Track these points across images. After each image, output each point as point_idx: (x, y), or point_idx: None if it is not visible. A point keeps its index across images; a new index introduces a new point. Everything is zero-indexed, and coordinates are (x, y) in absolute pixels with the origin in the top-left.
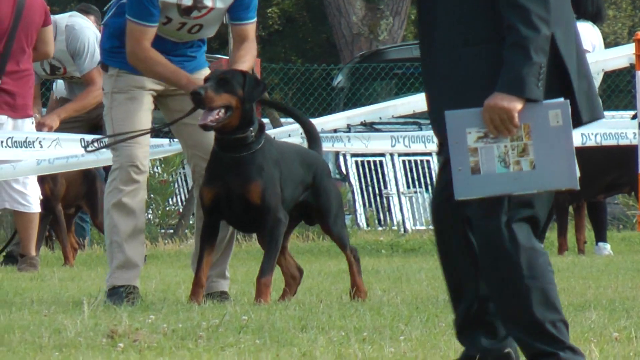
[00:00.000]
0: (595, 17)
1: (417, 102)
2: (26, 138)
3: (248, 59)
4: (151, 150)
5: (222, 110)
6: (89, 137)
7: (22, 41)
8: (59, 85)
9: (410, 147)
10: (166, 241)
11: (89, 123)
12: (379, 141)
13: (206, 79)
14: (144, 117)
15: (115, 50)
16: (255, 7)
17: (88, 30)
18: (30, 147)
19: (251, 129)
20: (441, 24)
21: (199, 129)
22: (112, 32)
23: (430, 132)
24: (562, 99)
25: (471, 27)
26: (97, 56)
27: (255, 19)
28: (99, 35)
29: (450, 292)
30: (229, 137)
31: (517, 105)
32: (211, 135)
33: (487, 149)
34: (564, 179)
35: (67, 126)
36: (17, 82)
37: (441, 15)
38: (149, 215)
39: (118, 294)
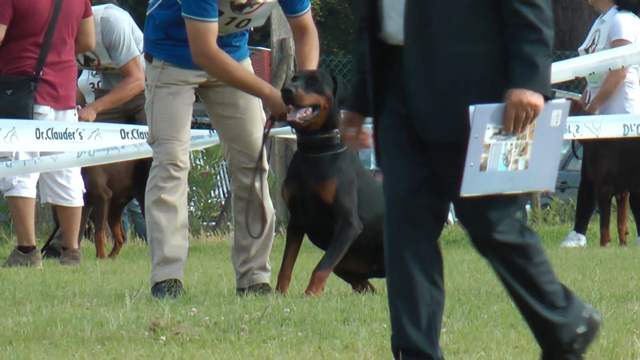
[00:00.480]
0: (638, 7)
1: None
2: (66, 129)
3: (314, 55)
4: (192, 141)
5: (310, 109)
6: (128, 128)
7: (63, 32)
8: (81, 82)
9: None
10: (208, 234)
11: (126, 114)
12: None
13: (296, 77)
14: (185, 112)
15: (160, 42)
16: None
17: (123, 22)
18: (70, 139)
19: (336, 130)
20: (437, 21)
21: (238, 122)
22: (158, 24)
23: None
24: (564, 100)
25: (471, 24)
26: (134, 48)
27: (309, 7)
28: (134, 26)
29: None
30: (313, 137)
31: (543, 103)
32: (250, 128)
33: (498, 146)
34: (546, 180)
35: (104, 117)
36: (59, 73)
37: (436, 12)
38: (191, 208)
39: (160, 290)
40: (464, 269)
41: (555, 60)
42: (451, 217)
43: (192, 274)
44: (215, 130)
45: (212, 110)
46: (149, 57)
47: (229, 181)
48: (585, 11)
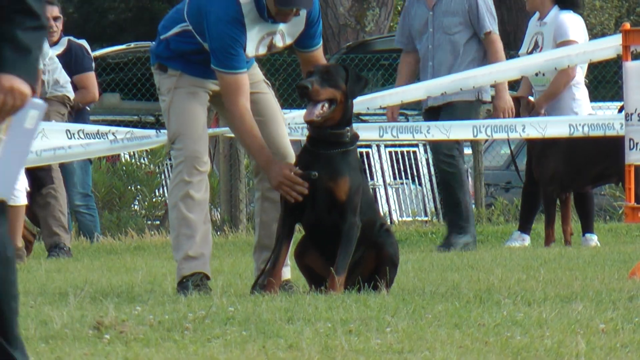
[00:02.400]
0: (577, 5)
1: (405, 92)
2: None
3: None
4: (138, 141)
5: (326, 104)
6: (74, 128)
7: None
8: None
9: (398, 137)
10: (152, 232)
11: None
12: (366, 132)
13: (310, 73)
14: (202, 111)
15: (172, 57)
16: (321, 33)
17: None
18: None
19: (348, 127)
20: None
21: (259, 125)
22: (173, 48)
23: (418, 123)
24: (42, 101)
25: None
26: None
27: (321, 44)
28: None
29: None
30: (326, 132)
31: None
32: (273, 128)
33: None
34: (4, 187)
35: None
36: None
37: None
38: (135, 207)
39: (186, 286)
40: (408, 268)
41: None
42: (395, 216)
43: (137, 272)
44: (162, 131)
45: (225, 116)
46: (163, 68)
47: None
48: (530, 12)
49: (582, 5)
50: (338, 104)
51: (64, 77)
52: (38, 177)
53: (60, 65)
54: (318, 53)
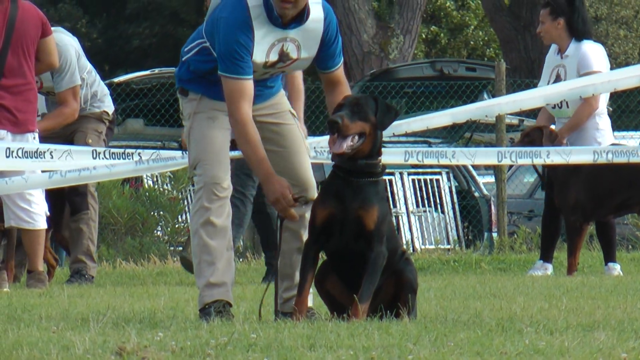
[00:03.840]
0: (589, 33)
1: (431, 119)
2: (37, 149)
3: None
4: (164, 163)
5: (356, 137)
6: (101, 149)
7: (19, 55)
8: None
9: (423, 161)
10: (175, 258)
11: (64, 138)
12: (391, 156)
13: (340, 106)
14: (222, 136)
15: (193, 80)
16: (341, 52)
17: (71, 47)
18: (41, 158)
19: (380, 158)
20: None
21: (282, 155)
22: (193, 70)
23: (443, 148)
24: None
25: None
26: (76, 76)
27: (342, 61)
28: (81, 53)
29: None
30: (360, 163)
31: None
32: (296, 159)
33: None
34: None
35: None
36: (16, 96)
37: None
38: (159, 232)
39: (208, 313)
40: (431, 296)
41: (524, 89)
42: (418, 244)
43: (159, 298)
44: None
45: None
46: (184, 92)
47: None
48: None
49: (592, 34)
50: (367, 136)
51: (102, 90)
52: (74, 201)
53: (98, 77)
54: (339, 73)
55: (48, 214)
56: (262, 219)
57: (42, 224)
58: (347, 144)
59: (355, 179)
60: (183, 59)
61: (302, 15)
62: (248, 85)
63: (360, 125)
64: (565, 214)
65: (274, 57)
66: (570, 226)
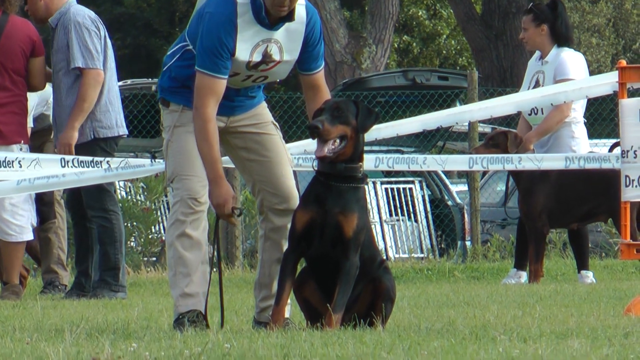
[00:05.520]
0: (571, 40)
1: (401, 125)
2: (5, 158)
3: None
4: (132, 170)
5: (337, 140)
6: (69, 157)
7: (0, 69)
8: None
9: (393, 167)
10: (148, 269)
11: (34, 149)
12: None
13: (321, 110)
14: None
15: (176, 89)
16: (323, 54)
17: None
18: (9, 167)
19: (361, 163)
20: None
21: (265, 165)
22: (175, 76)
23: (415, 155)
24: None
25: None
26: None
27: (323, 65)
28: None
29: None
30: (340, 167)
31: None
32: (278, 169)
33: None
34: None
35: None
36: None
37: None
38: (132, 243)
39: (182, 323)
40: (404, 304)
41: (496, 97)
42: (391, 252)
43: (133, 309)
44: (157, 160)
45: (235, 154)
46: (166, 103)
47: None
48: (529, 52)
49: (573, 40)
50: (349, 139)
51: None
52: (41, 211)
53: None
54: (320, 76)
55: (35, 224)
56: (81, 232)
57: (24, 237)
58: (328, 148)
59: (336, 183)
60: (165, 67)
61: (289, 15)
62: (220, 84)
63: (341, 128)
64: (530, 220)
65: (257, 58)
66: (537, 232)
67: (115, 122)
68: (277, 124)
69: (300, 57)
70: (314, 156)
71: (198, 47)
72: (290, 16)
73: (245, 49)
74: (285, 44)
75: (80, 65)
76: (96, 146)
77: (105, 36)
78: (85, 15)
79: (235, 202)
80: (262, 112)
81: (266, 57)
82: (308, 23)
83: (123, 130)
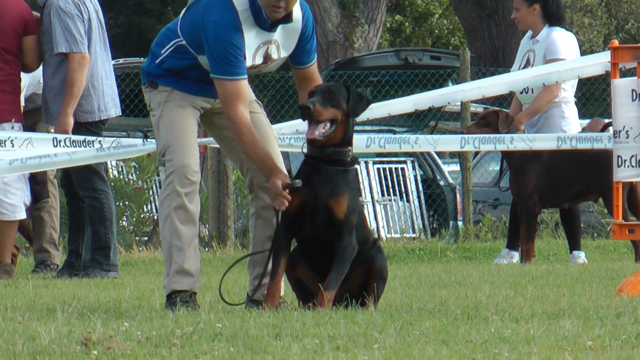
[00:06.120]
0: (563, 19)
1: (394, 105)
2: None
3: None
4: (125, 149)
5: (328, 124)
6: (61, 136)
7: None
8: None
9: (385, 147)
10: (140, 248)
11: (26, 128)
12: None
13: (312, 93)
14: (193, 124)
15: (166, 76)
16: (315, 49)
17: None
18: (2, 147)
19: (350, 147)
20: None
21: None
22: (169, 67)
23: (406, 135)
24: None
25: None
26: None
27: (316, 58)
28: None
29: None
30: (329, 151)
31: None
32: (267, 147)
33: None
34: None
35: None
36: None
37: None
38: (124, 222)
39: (174, 302)
40: (396, 284)
41: (488, 76)
42: (383, 232)
43: (124, 288)
44: (149, 140)
45: (220, 134)
46: (154, 85)
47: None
48: (521, 31)
49: (565, 19)
50: (339, 123)
51: None
52: (34, 190)
53: None
54: (313, 69)
55: (28, 203)
56: (73, 210)
57: (16, 215)
58: (319, 131)
59: (325, 166)
60: (156, 57)
61: (287, 17)
62: (243, 85)
63: (332, 111)
64: (523, 199)
65: (259, 60)
66: (528, 212)
67: (98, 106)
68: (260, 102)
69: (294, 52)
70: (304, 137)
71: (211, 56)
72: (288, 17)
73: (249, 54)
74: (282, 42)
75: (64, 50)
76: (82, 128)
77: (89, 19)
78: None
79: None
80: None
81: (267, 59)
82: (303, 19)
83: (106, 115)
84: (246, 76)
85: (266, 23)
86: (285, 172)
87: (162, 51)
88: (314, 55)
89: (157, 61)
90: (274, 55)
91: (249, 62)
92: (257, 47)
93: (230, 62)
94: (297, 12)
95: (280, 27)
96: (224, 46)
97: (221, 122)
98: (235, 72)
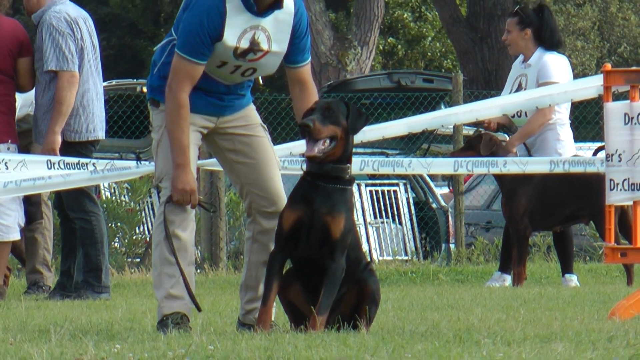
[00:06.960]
0: (560, 44)
1: (388, 128)
2: None
3: None
4: (119, 172)
5: (327, 141)
6: (55, 159)
7: None
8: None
9: (378, 170)
10: (132, 270)
11: (20, 149)
12: None
13: (311, 110)
14: (192, 152)
15: (164, 90)
16: (310, 48)
17: None
18: None
19: (349, 164)
20: None
21: (253, 167)
22: (164, 74)
23: (400, 158)
24: None
25: None
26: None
27: (310, 59)
28: None
29: None
30: (328, 167)
31: None
32: (267, 172)
33: None
34: None
35: None
36: None
37: None
38: (116, 244)
39: (166, 325)
40: (388, 307)
41: (481, 99)
42: (376, 255)
43: (117, 310)
44: (143, 162)
45: (223, 156)
46: (155, 103)
47: (154, 218)
48: (513, 56)
49: (564, 44)
50: (339, 140)
51: None
52: (28, 211)
53: None
54: (306, 70)
55: (22, 225)
56: (66, 232)
57: (10, 236)
58: (318, 148)
59: (323, 183)
60: (155, 67)
61: (277, 3)
62: (198, 70)
63: (331, 129)
64: (514, 222)
65: (245, 44)
66: (520, 234)
67: (86, 126)
68: (265, 126)
69: (287, 49)
70: (301, 157)
71: (180, 30)
72: (279, 4)
73: (233, 34)
74: (273, 33)
75: (54, 68)
76: (71, 148)
77: (82, 39)
78: (62, 17)
79: (200, 193)
80: (251, 114)
81: (254, 45)
82: (296, 14)
83: (94, 135)
84: (204, 63)
85: (253, 6)
86: (283, 200)
87: (160, 57)
88: (308, 55)
89: (155, 70)
90: (264, 45)
91: (233, 42)
92: (243, 30)
93: (196, 43)
94: (289, 4)
95: (271, 17)
96: (195, 25)
97: (224, 145)
98: (195, 54)
